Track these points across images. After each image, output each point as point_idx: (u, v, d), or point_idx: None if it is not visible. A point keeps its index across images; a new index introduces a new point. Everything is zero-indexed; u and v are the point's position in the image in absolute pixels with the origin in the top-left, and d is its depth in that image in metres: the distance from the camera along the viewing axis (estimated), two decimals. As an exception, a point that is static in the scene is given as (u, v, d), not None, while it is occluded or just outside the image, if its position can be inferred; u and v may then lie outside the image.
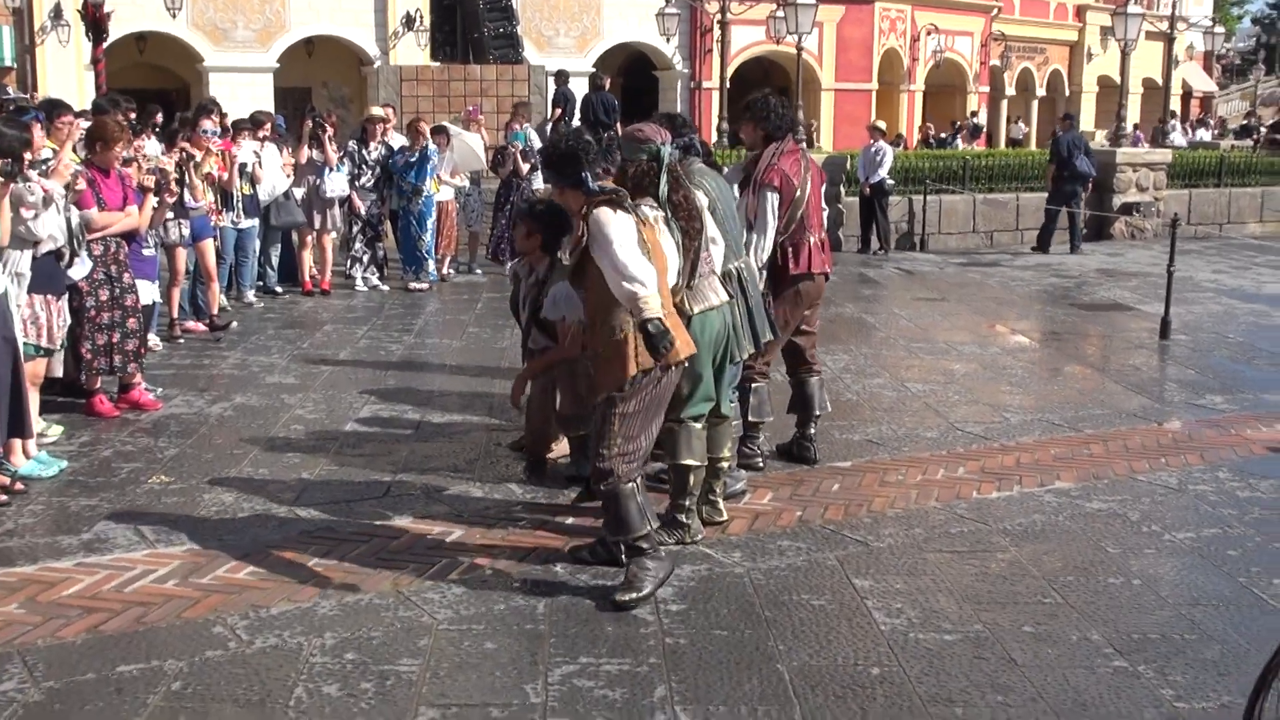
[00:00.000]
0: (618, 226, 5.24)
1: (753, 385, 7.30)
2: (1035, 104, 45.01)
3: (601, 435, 5.44)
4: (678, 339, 5.34)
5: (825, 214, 7.68)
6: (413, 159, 14.03)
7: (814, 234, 7.35)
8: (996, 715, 4.47)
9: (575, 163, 5.38)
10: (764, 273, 7.11)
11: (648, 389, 5.40)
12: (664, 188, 5.77)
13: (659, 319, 5.18)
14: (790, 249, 7.25)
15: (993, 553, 6.15)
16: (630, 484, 5.41)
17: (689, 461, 6.07)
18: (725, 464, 6.50)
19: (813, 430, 7.66)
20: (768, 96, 7.42)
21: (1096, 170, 19.80)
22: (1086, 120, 44.57)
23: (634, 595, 5.40)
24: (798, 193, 7.17)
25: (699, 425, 6.12)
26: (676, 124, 6.53)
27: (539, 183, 13.91)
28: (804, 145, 19.99)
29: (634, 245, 5.23)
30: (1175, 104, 40.06)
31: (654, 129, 6.07)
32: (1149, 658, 4.94)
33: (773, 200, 7.06)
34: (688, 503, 6.14)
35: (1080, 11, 45.57)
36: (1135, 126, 31.57)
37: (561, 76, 21.04)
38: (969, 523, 6.59)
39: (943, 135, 33.41)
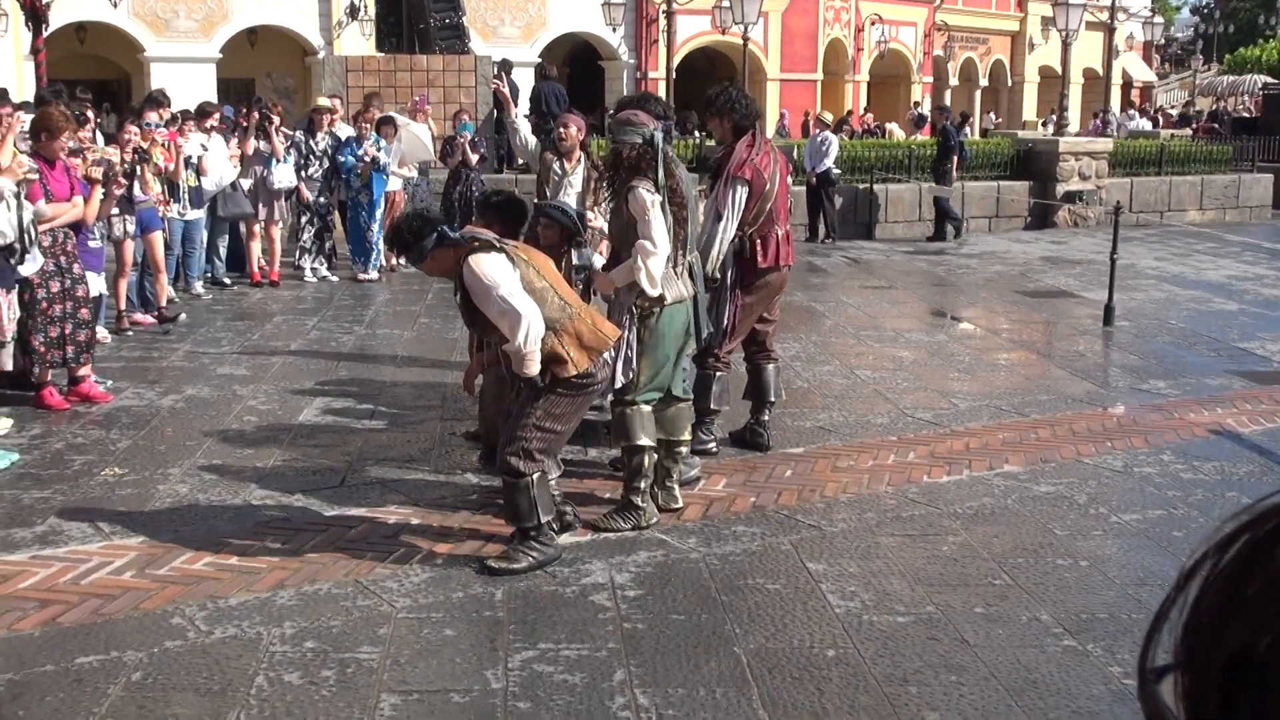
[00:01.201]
0: (490, 269, 5.34)
1: (716, 374, 7.38)
2: (978, 94, 45.40)
3: (516, 429, 5.55)
4: (582, 342, 5.50)
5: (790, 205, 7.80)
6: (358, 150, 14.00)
7: (781, 226, 7.43)
8: (950, 694, 4.56)
9: (429, 225, 5.55)
10: (734, 265, 7.22)
11: (570, 396, 5.55)
12: (662, 173, 5.98)
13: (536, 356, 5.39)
14: (759, 242, 7.31)
15: (944, 536, 6.25)
16: (528, 479, 5.52)
17: (642, 442, 6.17)
18: (684, 449, 6.57)
19: (766, 417, 7.74)
20: (729, 88, 7.50)
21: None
22: (1029, 110, 45.06)
23: (506, 565, 5.59)
24: (767, 186, 7.24)
25: (648, 408, 6.23)
26: (658, 109, 6.62)
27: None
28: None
29: (515, 285, 5.36)
30: (1115, 94, 40.54)
31: (647, 115, 6.26)
32: (1097, 637, 5.05)
33: (741, 194, 7.13)
34: (642, 485, 6.22)
35: (1022, 2, 45.99)
36: (1096, 115, 31.91)
37: (505, 66, 20.99)
38: (920, 506, 6.70)
39: (879, 125, 33.57)
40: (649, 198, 6.00)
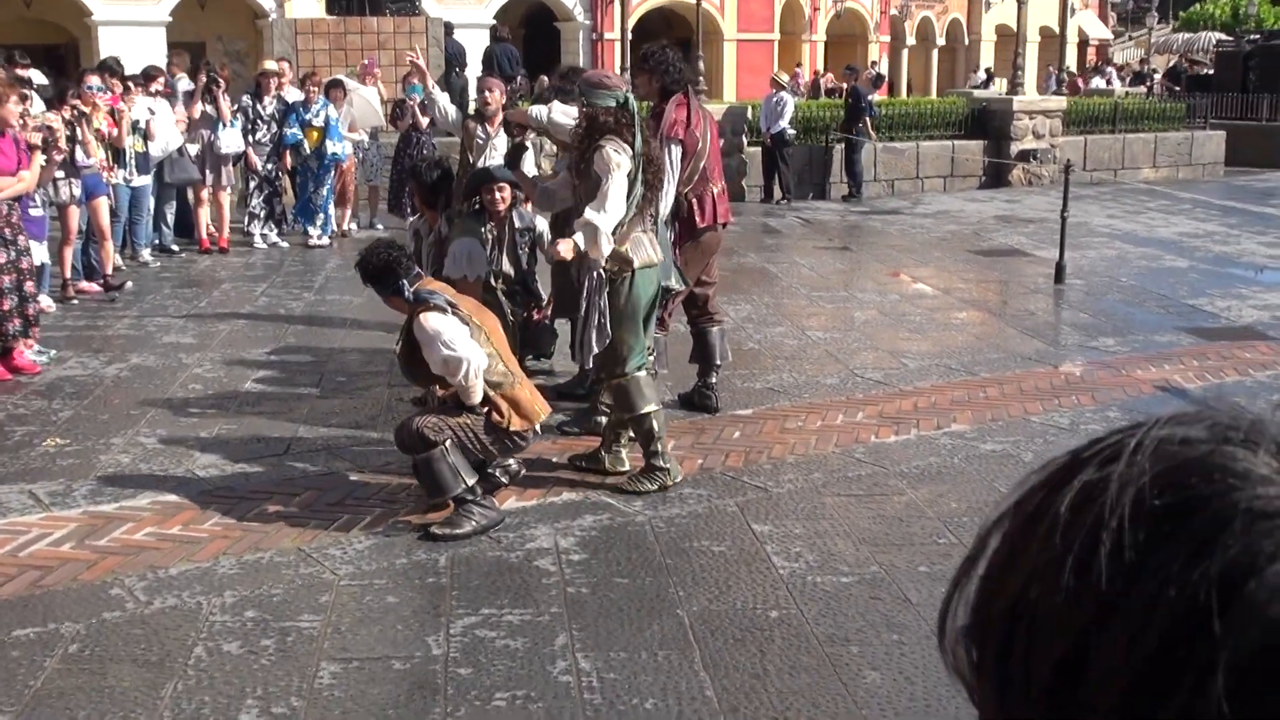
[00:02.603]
0: (439, 325, 5.58)
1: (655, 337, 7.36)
2: (935, 53, 45.37)
3: (439, 417, 5.68)
4: (520, 406, 5.76)
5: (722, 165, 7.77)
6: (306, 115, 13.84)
7: (715, 184, 7.41)
8: (891, 653, 4.58)
9: (392, 274, 5.75)
10: (672, 225, 7.18)
11: (497, 438, 5.77)
12: (639, 141, 5.99)
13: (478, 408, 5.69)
14: (694, 201, 7.29)
15: (890, 496, 6.27)
16: (441, 447, 5.57)
17: (647, 409, 6.22)
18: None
19: (714, 380, 7.72)
20: (665, 48, 7.44)
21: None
22: (985, 68, 45.03)
23: (449, 531, 5.61)
24: (700, 144, 7.21)
25: (643, 373, 6.27)
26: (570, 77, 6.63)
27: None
28: (701, 96, 20.05)
29: (459, 334, 5.59)
30: (1072, 51, 40.59)
31: (618, 78, 6.27)
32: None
33: (676, 153, 7.09)
34: (658, 447, 6.24)
35: (979, -40, 45.96)
36: (1066, 72, 31.95)
37: (447, 28, 20.80)
38: (867, 466, 6.71)
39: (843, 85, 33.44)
40: (615, 158, 5.99)
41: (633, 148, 6.05)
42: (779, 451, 6.95)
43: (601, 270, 6.07)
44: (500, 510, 5.80)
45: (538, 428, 5.98)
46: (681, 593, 5.08)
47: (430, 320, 5.61)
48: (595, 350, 6.12)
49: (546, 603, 4.98)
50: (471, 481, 5.64)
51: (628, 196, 6.07)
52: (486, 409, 5.71)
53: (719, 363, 7.73)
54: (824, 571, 5.30)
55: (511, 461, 6.15)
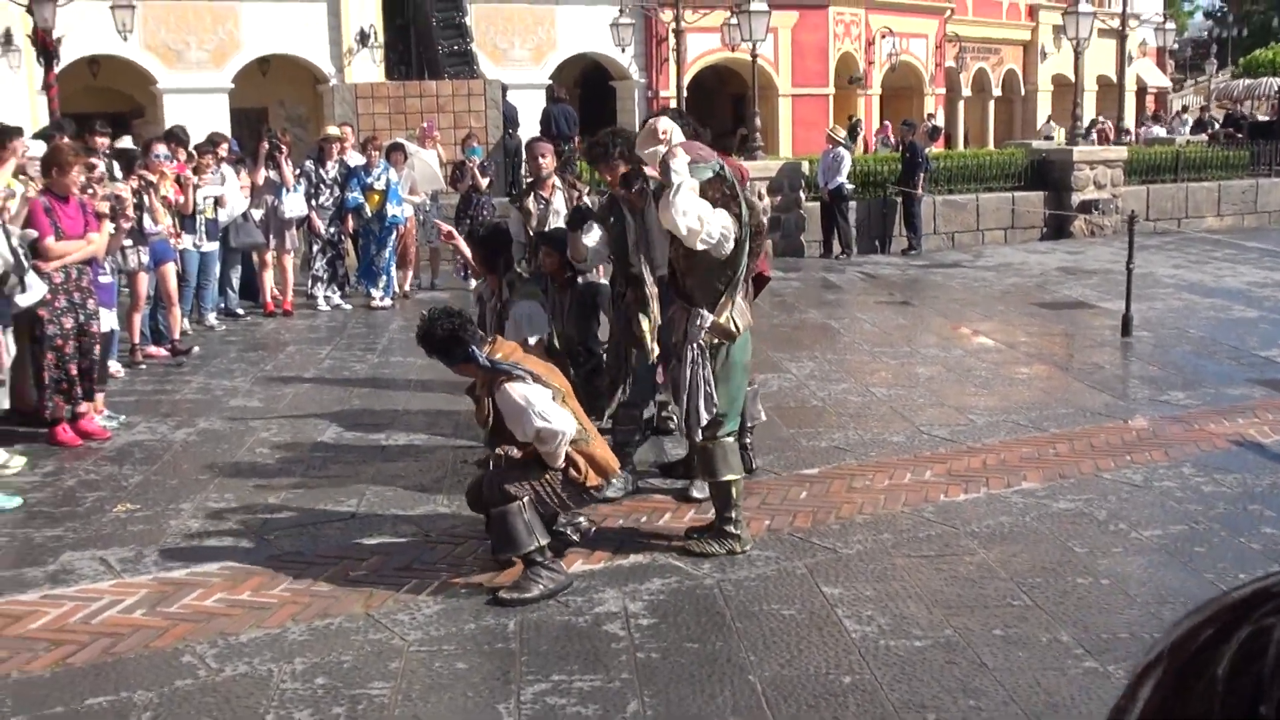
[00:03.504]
0: (527, 395, 5.57)
1: None
2: (991, 104, 45.27)
3: (519, 472, 5.66)
4: (596, 462, 5.77)
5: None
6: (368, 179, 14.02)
7: None
8: (969, 719, 4.48)
9: (459, 343, 5.71)
10: None
11: (574, 493, 5.78)
12: (744, 211, 6.02)
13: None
14: None
15: (961, 556, 6.17)
16: (519, 502, 5.57)
17: (729, 477, 6.19)
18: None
19: (749, 439, 7.61)
20: (610, 134, 7.27)
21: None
22: (1043, 118, 44.85)
23: (517, 595, 5.57)
24: None
25: (731, 440, 6.26)
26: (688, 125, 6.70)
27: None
28: (759, 153, 20.07)
29: (548, 403, 5.58)
30: (1130, 100, 40.36)
31: (709, 149, 6.24)
32: (1119, 657, 4.97)
33: None
34: (734, 514, 6.21)
35: (1033, 11, 45.85)
36: (1102, 120, 31.75)
37: (501, 89, 21.01)
38: (937, 526, 6.62)
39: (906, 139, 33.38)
40: (518, 391, 5.64)
41: (739, 220, 6.01)
42: (847, 511, 6.88)
43: (702, 341, 6.06)
44: (568, 574, 5.77)
45: (613, 481, 6.00)
46: (753, 657, 5.01)
47: (515, 391, 5.58)
48: (704, 421, 6.11)
49: (616, 668, 4.93)
50: (544, 541, 5.63)
51: (737, 268, 6.06)
52: (565, 466, 5.71)
53: (751, 423, 7.62)
54: (897, 635, 5.21)
55: (582, 519, 6.14)
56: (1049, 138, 31.25)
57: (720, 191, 6.01)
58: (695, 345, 6.07)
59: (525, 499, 5.60)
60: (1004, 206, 21.12)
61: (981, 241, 20.82)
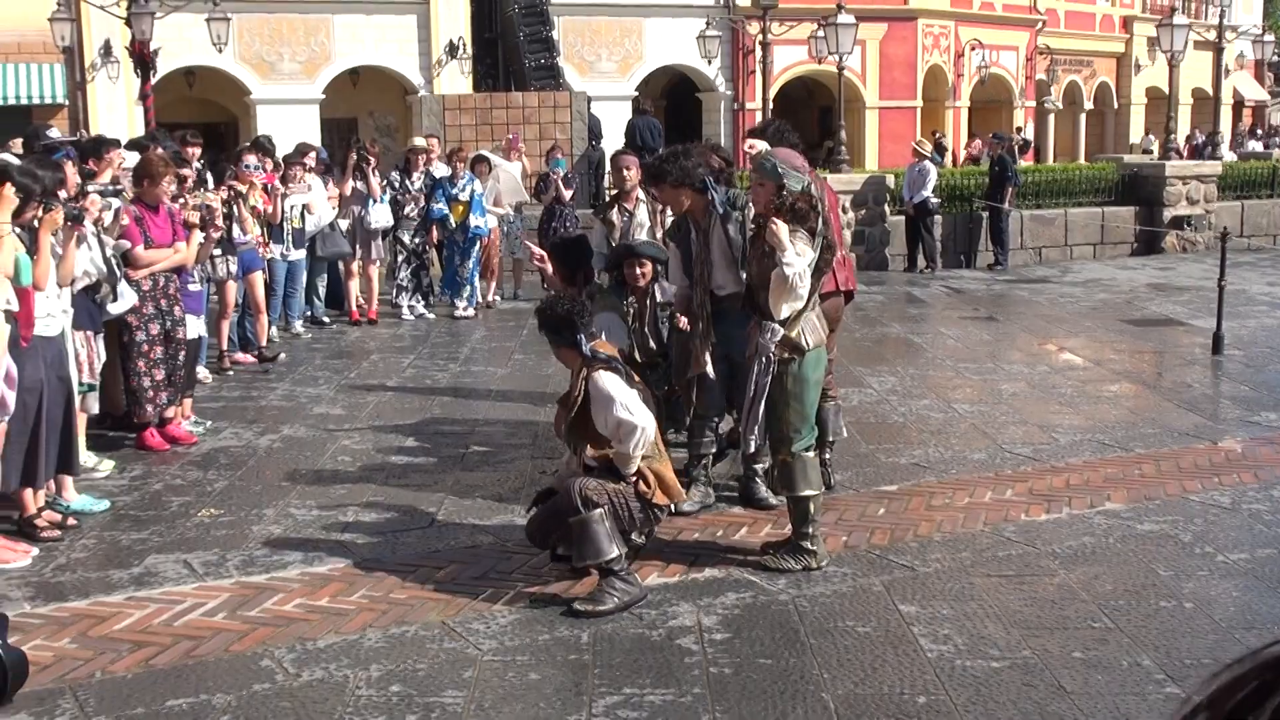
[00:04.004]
0: (616, 387, 5.70)
1: None
2: (1083, 117, 44.67)
3: (598, 483, 5.72)
4: (664, 482, 5.86)
5: (846, 232, 7.77)
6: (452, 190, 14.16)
7: (838, 250, 7.36)
8: (1046, 744, 4.42)
9: (571, 326, 5.85)
10: None
11: (641, 508, 5.82)
12: (821, 227, 6.03)
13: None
14: None
15: (1041, 577, 6.08)
16: (601, 510, 5.63)
17: (807, 493, 6.17)
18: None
19: (828, 455, 7.57)
20: (676, 154, 7.26)
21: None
22: (1135, 132, 44.19)
23: (592, 607, 5.58)
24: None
25: (811, 454, 6.25)
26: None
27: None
28: (844, 166, 19.96)
29: (634, 400, 5.71)
30: (1226, 114, 39.60)
31: (804, 161, 6.28)
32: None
33: None
34: (810, 529, 6.19)
35: (1127, 23, 45.21)
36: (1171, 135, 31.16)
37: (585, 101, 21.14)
38: (1017, 546, 6.53)
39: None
40: (609, 380, 5.79)
41: (814, 235, 6.02)
42: (925, 529, 6.81)
43: (772, 354, 6.06)
44: (642, 587, 5.78)
45: (673, 507, 6.08)
46: (826, 675, 4.97)
47: (605, 380, 5.72)
48: (753, 446, 6.16)
49: (689, 683, 4.92)
50: (623, 551, 5.65)
51: (811, 285, 6.07)
52: (635, 479, 5.75)
53: (832, 439, 7.58)
54: (974, 655, 5.15)
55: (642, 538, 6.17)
56: (1148, 151, 30.77)
57: (809, 205, 6.01)
58: (764, 358, 6.07)
59: (605, 508, 5.63)
60: (1093, 222, 20.82)
61: (1069, 257, 20.54)
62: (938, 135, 31.78)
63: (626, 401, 5.68)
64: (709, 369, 6.98)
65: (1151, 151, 30.54)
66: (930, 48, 36.51)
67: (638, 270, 7.53)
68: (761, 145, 7.23)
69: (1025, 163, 25.69)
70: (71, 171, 8.15)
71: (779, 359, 6.07)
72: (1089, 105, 45.00)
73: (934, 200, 18.87)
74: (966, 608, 5.67)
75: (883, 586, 5.95)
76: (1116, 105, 45.86)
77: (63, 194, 7.17)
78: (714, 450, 7.42)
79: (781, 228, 5.90)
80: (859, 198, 18.63)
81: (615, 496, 5.70)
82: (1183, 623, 5.49)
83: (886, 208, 19.25)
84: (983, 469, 8.00)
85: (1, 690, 4.69)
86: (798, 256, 5.92)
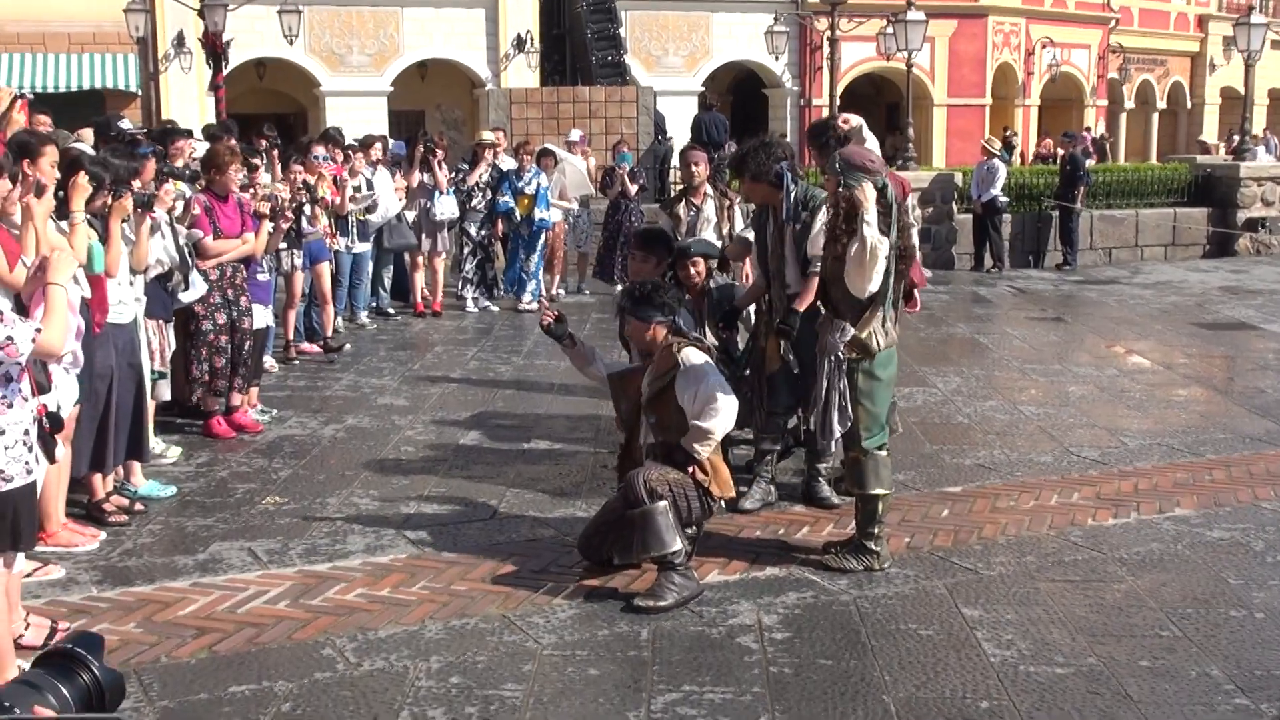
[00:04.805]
0: (703, 360, 5.79)
1: None
2: (1155, 117, 44.05)
3: (664, 471, 5.73)
4: (719, 474, 5.87)
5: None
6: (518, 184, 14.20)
7: None
8: (1111, 752, 4.35)
9: (662, 303, 5.96)
10: None
11: (699, 498, 5.82)
12: (894, 230, 5.97)
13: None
14: None
15: (1108, 583, 5.99)
16: (666, 502, 5.62)
17: (877, 491, 6.12)
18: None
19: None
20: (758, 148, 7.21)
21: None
22: (1209, 133, 43.50)
23: (652, 603, 5.57)
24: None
25: (883, 453, 6.17)
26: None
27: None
28: (911, 163, 19.82)
29: (724, 383, 5.76)
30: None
31: (880, 161, 6.22)
32: (1272, 695, 4.77)
33: None
34: (875, 530, 6.14)
35: (1202, 21, 44.52)
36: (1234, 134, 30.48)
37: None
38: (1084, 551, 6.44)
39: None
40: (701, 356, 5.91)
41: (889, 237, 5.94)
42: (990, 532, 6.73)
43: (841, 353, 6.01)
44: (700, 583, 5.76)
45: (723, 503, 6.11)
46: (887, 677, 4.93)
47: (698, 356, 5.81)
48: (838, 434, 6.09)
49: (748, 682, 4.89)
50: (685, 545, 5.66)
51: (884, 285, 6.00)
52: (691, 468, 5.75)
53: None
54: (1038, 661, 5.08)
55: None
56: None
57: (881, 205, 5.94)
58: (834, 357, 6.02)
59: (668, 499, 5.62)
60: (1165, 223, 20.53)
61: (1140, 258, 20.27)
62: (1008, 133, 31.47)
63: (718, 378, 5.75)
64: (792, 363, 6.92)
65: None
66: (1000, 45, 36.15)
67: (691, 270, 7.53)
68: (856, 120, 7.22)
69: (1094, 163, 25.35)
70: (151, 169, 8.22)
71: (847, 359, 6.02)
72: (1161, 105, 44.37)
73: (1002, 199, 18.68)
74: (1031, 613, 5.60)
75: (946, 589, 5.89)
76: (1190, 105, 45.18)
77: (136, 184, 7.24)
78: (779, 448, 7.39)
79: (868, 191, 5.83)
80: (926, 195, 18.48)
81: (676, 487, 5.69)
82: (1253, 633, 5.39)
83: (954, 206, 19.09)
84: (1049, 472, 7.90)
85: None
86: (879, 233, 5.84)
